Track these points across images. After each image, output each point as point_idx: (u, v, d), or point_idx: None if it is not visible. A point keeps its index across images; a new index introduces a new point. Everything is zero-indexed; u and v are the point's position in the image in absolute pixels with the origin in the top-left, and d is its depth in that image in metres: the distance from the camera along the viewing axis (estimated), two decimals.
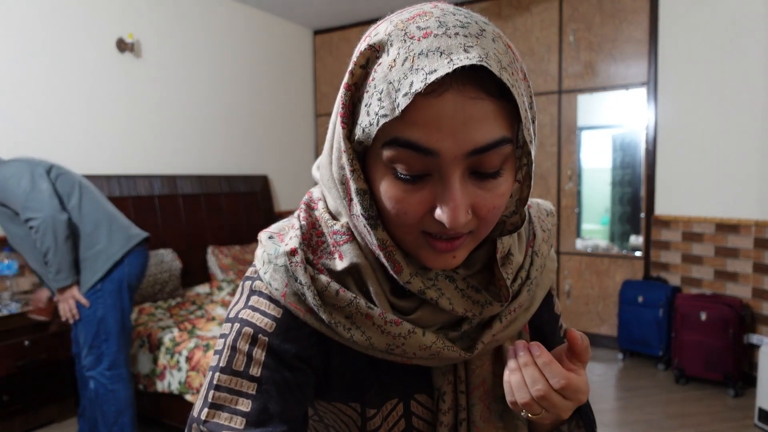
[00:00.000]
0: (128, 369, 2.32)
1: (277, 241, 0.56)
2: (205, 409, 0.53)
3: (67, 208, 2.20)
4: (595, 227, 4.58)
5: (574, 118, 3.93)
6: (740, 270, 3.29)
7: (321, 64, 5.06)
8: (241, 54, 4.29)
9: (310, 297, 0.52)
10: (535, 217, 0.65)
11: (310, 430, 0.67)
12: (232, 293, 3.41)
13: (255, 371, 0.53)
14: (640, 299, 3.55)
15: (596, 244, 4.16)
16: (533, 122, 0.48)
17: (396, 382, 0.60)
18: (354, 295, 0.53)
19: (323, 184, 0.57)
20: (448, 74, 0.42)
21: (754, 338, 3.18)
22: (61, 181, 2.23)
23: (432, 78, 0.41)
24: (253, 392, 0.53)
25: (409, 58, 0.43)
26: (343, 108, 0.48)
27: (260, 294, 0.56)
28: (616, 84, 3.77)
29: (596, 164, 4.53)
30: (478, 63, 0.41)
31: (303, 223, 0.56)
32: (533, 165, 0.50)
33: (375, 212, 0.50)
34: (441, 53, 0.42)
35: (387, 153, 0.46)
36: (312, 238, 0.56)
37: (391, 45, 0.45)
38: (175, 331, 2.66)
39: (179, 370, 2.50)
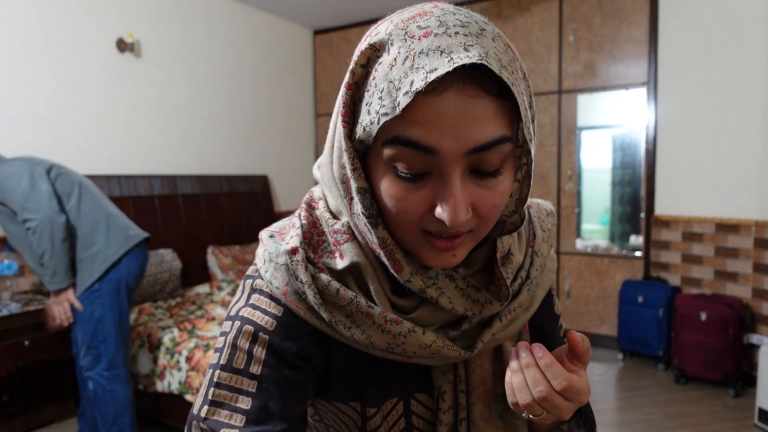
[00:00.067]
0: (127, 369, 2.32)
1: (278, 240, 0.57)
2: (205, 407, 0.54)
3: (65, 208, 2.19)
4: (595, 227, 4.58)
5: (574, 118, 3.93)
6: (740, 270, 3.29)
7: (321, 64, 5.06)
8: (241, 54, 4.30)
9: (310, 295, 0.52)
10: (535, 217, 0.65)
11: (311, 430, 0.67)
12: (232, 293, 3.41)
13: (255, 369, 0.54)
14: (640, 299, 3.55)
15: (596, 244, 4.16)
16: (533, 121, 0.48)
17: (396, 381, 0.60)
18: (354, 294, 0.53)
19: (324, 183, 0.57)
20: (448, 73, 0.42)
21: (754, 338, 3.18)
22: (61, 180, 2.22)
23: (432, 77, 0.41)
24: (254, 390, 0.53)
25: (409, 57, 0.43)
26: (343, 107, 0.48)
27: (261, 292, 0.56)
28: (616, 84, 3.77)
29: (596, 164, 4.53)
30: (479, 62, 0.41)
31: (304, 222, 0.56)
32: (533, 164, 0.50)
33: (375, 211, 0.50)
34: (441, 52, 0.42)
35: (388, 151, 0.46)
36: (313, 237, 0.56)
37: (392, 44, 0.45)
38: (175, 331, 2.66)
39: (179, 370, 2.50)
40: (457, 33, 0.43)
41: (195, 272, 3.66)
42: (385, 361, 0.58)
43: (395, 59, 0.44)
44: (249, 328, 0.54)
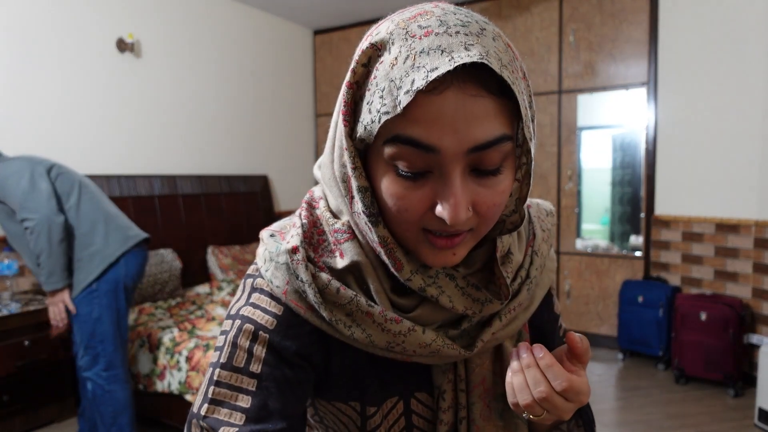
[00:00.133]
0: (125, 369, 2.31)
1: (279, 239, 0.57)
2: (205, 405, 0.54)
3: (65, 207, 2.19)
4: (595, 227, 4.58)
5: (574, 118, 3.93)
6: (740, 270, 3.29)
7: (321, 64, 5.06)
8: (241, 54, 4.30)
9: (311, 294, 0.52)
10: (535, 216, 0.65)
11: (311, 430, 0.67)
12: (232, 293, 3.41)
13: (255, 368, 0.54)
14: (640, 299, 3.55)
15: (596, 244, 4.16)
16: (533, 121, 0.48)
17: (396, 380, 0.60)
18: (354, 293, 0.53)
19: (324, 182, 0.57)
20: (449, 72, 0.42)
21: (754, 338, 3.18)
22: (61, 180, 2.22)
23: (433, 75, 0.41)
24: (253, 389, 0.53)
25: (410, 56, 0.43)
26: (345, 106, 0.48)
27: (261, 291, 0.56)
28: (616, 84, 3.78)
29: (596, 164, 4.54)
30: (479, 60, 0.42)
31: (304, 221, 0.57)
32: (533, 163, 0.50)
33: (376, 209, 0.50)
34: (442, 51, 0.42)
35: (388, 150, 0.46)
36: (313, 236, 0.56)
37: (393, 43, 0.45)
38: (175, 331, 2.66)
39: (179, 370, 2.50)
40: (457, 32, 0.43)
41: (195, 272, 3.66)
42: (385, 360, 0.58)
43: (396, 58, 0.44)
44: (249, 326, 0.55)
